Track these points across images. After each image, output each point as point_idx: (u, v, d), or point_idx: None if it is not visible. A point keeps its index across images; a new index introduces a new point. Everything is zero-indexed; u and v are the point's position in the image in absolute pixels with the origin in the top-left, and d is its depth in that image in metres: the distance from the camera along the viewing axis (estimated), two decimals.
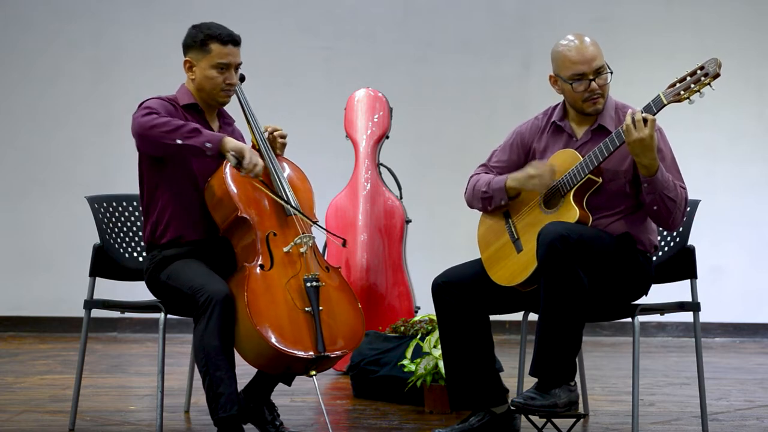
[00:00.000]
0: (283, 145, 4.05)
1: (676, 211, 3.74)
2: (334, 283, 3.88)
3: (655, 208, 3.73)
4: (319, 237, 4.33)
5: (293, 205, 3.88)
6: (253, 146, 3.97)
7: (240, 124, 4.13)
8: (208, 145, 3.73)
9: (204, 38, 3.90)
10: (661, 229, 4.20)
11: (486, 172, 4.04)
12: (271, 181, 3.91)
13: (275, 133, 4.02)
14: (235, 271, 3.84)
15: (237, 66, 3.95)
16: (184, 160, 3.88)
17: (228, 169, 3.85)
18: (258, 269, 3.75)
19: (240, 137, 4.10)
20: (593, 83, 3.82)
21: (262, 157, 3.91)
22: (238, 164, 3.74)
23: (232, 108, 4.05)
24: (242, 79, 4.04)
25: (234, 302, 3.69)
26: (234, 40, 3.92)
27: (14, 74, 7.50)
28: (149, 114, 3.79)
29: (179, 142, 3.73)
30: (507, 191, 3.89)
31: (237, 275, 3.79)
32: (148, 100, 3.91)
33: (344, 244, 4.21)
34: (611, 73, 3.82)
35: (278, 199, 3.86)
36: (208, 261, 3.87)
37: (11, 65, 7.49)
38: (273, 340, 3.64)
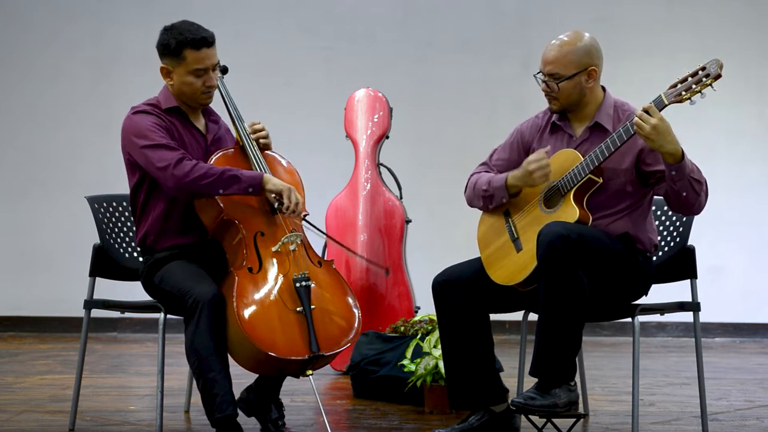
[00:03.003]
0: (267, 144, 3.99)
1: (702, 194, 3.72)
2: (325, 278, 3.84)
3: (684, 194, 3.69)
4: (318, 237, 4.32)
5: (333, 239, 3.89)
6: (237, 142, 3.95)
7: (224, 118, 4.10)
8: (251, 190, 3.74)
9: (176, 45, 3.81)
10: (662, 228, 4.20)
11: (487, 171, 4.04)
12: None
13: (255, 135, 3.95)
14: (226, 274, 3.82)
15: (215, 66, 3.87)
16: None
17: None
18: (246, 272, 3.73)
19: (227, 132, 4.07)
20: (544, 83, 3.83)
21: (245, 152, 3.89)
22: (279, 205, 3.75)
23: (215, 102, 4.01)
24: (225, 71, 3.98)
25: (223, 302, 3.66)
26: (207, 42, 3.82)
27: (14, 74, 7.49)
28: (180, 161, 3.72)
29: (221, 191, 3.74)
30: (508, 189, 3.89)
31: (226, 280, 3.76)
32: (135, 114, 3.84)
33: (387, 273, 4.20)
34: (564, 79, 3.79)
35: (322, 234, 3.87)
36: (202, 262, 3.86)
37: (11, 65, 7.49)
38: (264, 344, 3.61)
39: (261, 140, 3.97)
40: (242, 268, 3.73)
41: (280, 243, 3.80)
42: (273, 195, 3.75)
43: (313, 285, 3.76)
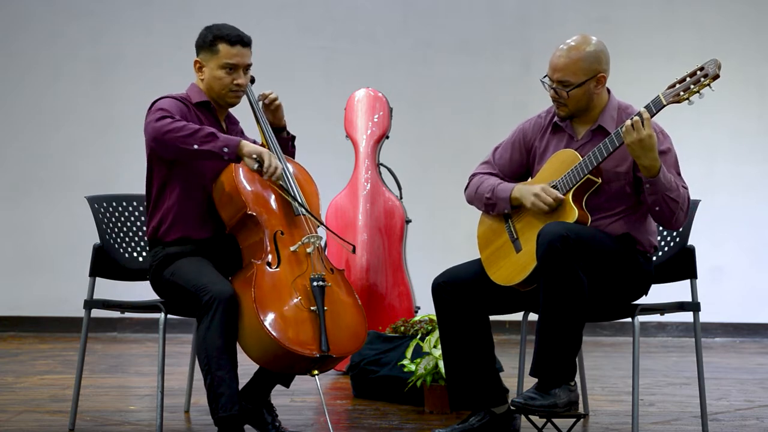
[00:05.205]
0: (278, 107, 4.06)
1: (679, 212, 3.73)
2: (338, 284, 3.88)
3: (657, 208, 3.72)
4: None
5: (305, 206, 3.88)
6: (261, 144, 3.97)
7: (250, 124, 4.12)
8: (225, 149, 3.73)
9: (213, 39, 3.90)
10: (662, 228, 4.20)
11: (490, 170, 4.03)
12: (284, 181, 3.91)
13: (267, 100, 4.02)
14: (242, 267, 3.84)
15: (246, 67, 3.94)
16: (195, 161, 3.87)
17: (238, 167, 3.86)
18: (265, 266, 3.76)
19: (241, 135, 4.09)
20: (552, 90, 3.82)
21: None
22: (259, 168, 3.75)
23: (243, 109, 4.03)
24: (252, 81, 4.04)
25: (237, 303, 3.69)
26: (242, 41, 3.91)
27: (14, 74, 7.50)
28: (164, 118, 3.76)
29: (195, 147, 3.72)
30: (511, 201, 3.88)
31: (244, 271, 3.79)
32: (160, 99, 3.89)
33: (354, 251, 4.22)
34: (574, 87, 3.77)
35: (292, 200, 3.86)
36: (212, 259, 3.87)
37: (11, 65, 7.50)
38: (279, 336, 3.64)
39: (274, 103, 4.03)
40: (262, 263, 3.76)
41: (299, 243, 3.83)
42: (254, 156, 3.74)
43: (328, 285, 3.78)
